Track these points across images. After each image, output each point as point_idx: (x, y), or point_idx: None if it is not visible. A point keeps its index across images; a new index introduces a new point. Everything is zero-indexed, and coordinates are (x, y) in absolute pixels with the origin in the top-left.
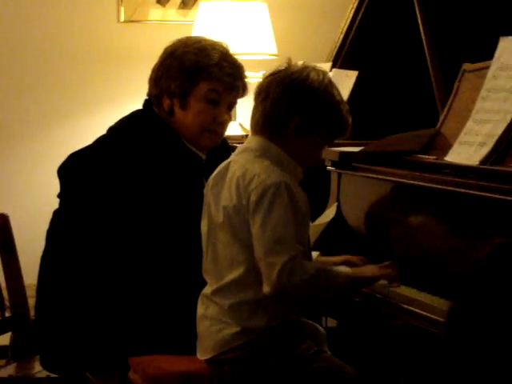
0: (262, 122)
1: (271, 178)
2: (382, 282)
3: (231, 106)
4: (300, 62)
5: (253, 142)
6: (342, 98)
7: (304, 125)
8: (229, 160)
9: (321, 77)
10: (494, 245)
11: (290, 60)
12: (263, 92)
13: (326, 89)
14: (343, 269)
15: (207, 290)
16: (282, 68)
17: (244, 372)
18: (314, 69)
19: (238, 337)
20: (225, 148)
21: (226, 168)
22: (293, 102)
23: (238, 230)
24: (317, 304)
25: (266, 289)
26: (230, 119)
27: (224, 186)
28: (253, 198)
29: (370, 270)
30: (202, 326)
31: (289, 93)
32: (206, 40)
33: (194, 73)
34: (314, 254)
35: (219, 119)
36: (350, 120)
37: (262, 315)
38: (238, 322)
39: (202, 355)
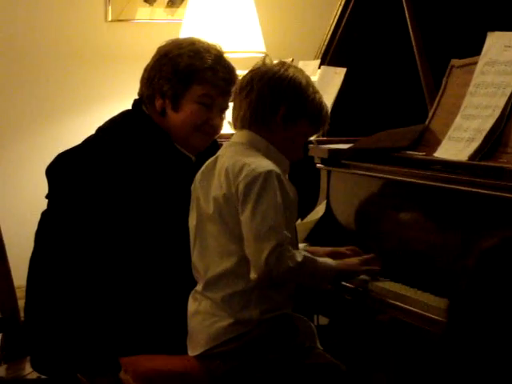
0: (250, 117)
1: (261, 166)
2: (364, 277)
3: (223, 109)
4: (288, 60)
5: (240, 136)
6: (317, 89)
7: (290, 114)
8: (216, 155)
9: (298, 70)
10: (501, 237)
11: (266, 57)
12: (246, 87)
13: (307, 82)
14: (329, 260)
15: (198, 286)
16: (261, 64)
17: (236, 366)
18: (291, 64)
19: (231, 329)
20: (215, 149)
21: (214, 162)
22: (278, 94)
23: (228, 219)
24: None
25: (252, 275)
26: (222, 122)
27: (213, 178)
28: (242, 185)
29: (353, 263)
30: (194, 322)
31: (272, 85)
32: (200, 42)
33: (188, 76)
34: (302, 245)
35: (211, 122)
36: (328, 110)
37: (254, 306)
38: (231, 313)
39: (193, 351)
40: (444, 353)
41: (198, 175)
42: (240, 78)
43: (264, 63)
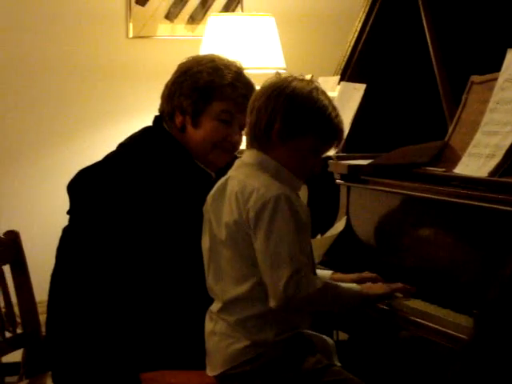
0: (250, 135)
1: (270, 191)
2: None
3: (243, 126)
4: (308, 76)
5: (247, 156)
6: (330, 103)
7: (286, 131)
8: (226, 176)
9: (304, 84)
10: None
11: (278, 73)
12: (250, 105)
13: (309, 94)
14: (354, 286)
15: (214, 306)
16: (269, 81)
17: None
18: (299, 78)
19: (247, 351)
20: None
21: (225, 184)
22: (273, 110)
23: (241, 245)
24: (325, 315)
25: (271, 303)
26: (241, 139)
27: (224, 202)
28: (253, 212)
29: (379, 287)
30: (211, 342)
31: (269, 101)
32: (220, 59)
33: (208, 92)
34: (327, 272)
35: (231, 138)
36: (342, 125)
37: (270, 329)
38: (247, 335)
39: (211, 371)
40: (469, 363)
41: (210, 197)
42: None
43: (270, 79)
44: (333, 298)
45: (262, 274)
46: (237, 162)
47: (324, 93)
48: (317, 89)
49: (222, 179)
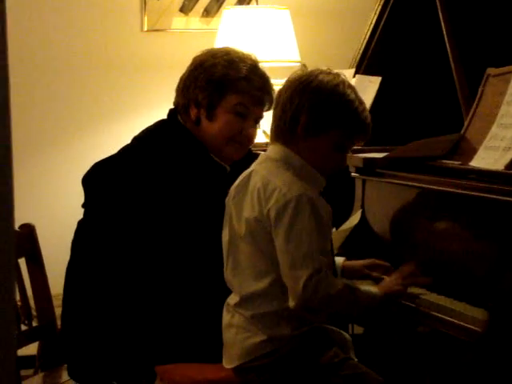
0: (275, 129)
1: (292, 191)
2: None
3: (258, 119)
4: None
5: (272, 150)
6: (356, 97)
7: (311, 125)
8: (250, 169)
9: (330, 77)
10: None
11: (304, 66)
12: (276, 99)
13: (335, 88)
14: (372, 289)
15: (231, 299)
16: (293, 74)
17: (270, 380)
18: (326, 71)
19: (264, 345)
20: (250, 159)
21: (248, 178)
22: (299, 104)
23: (260, 241)
24: (343, 316)
25: (291, 303)
26: (256, 132)
27: (246, 196)
28: (274, 211)
29: (394, 282)
30: (228, 334)
31: (295, 95)
32: (235, 52)
33: (223, 85)
34: (340, 259)
35: (245, 132)
36: (369, 119)
37: (286, 324)
38: (264, 330)
39: (228, 363)
40: (483, 356)
41: (232, 190)
42: (275, 88)
43: (297, 71)
44: (352, 301)
45: (283, 274)
46: (261, 156)
47: (351, 86)
48: (343, 82)
49: (246, 172)
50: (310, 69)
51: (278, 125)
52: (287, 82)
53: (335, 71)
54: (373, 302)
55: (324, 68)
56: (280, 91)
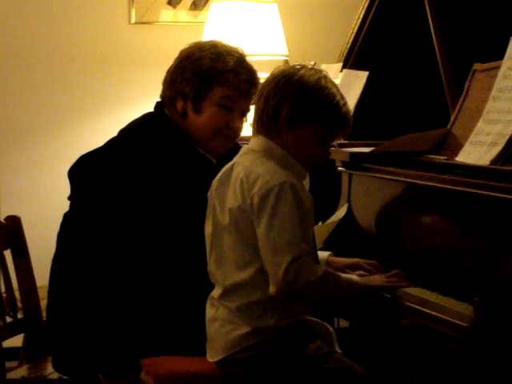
0: (257, 121)
1: (275, 178)
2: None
3: (244, 112)
4: (311, 63)
5: (254, 142)
6: (337, 92)
7: (293, 117)
8: (232, 162)
9: (312, 72)
10: None
11: (287, 62)
12: (259, 92)
13: (317, 82)
14: (353, 277)
15: (214, 292)
16: (278, 69)
17: (255, 372)
18: (309, 67)
19: (248, 337)
20: (236, 152)
21: (230, 170)
22: (281, 96)
23: (244, 231)
24: (324, 305)
25: (272, 289)
26: (242, 125)
27: (228, 188)
28: (257, 199)
29: (378, 280)
30: (213, 328)
31: (278, 88)
32: (222, 45)
33: (209, 78)
34: (325, 253)
35: (232, 125)
36: (350, 114)
37: (270, 315)
38: (248, 322)
39: (212, 357)
40: (470, 347)
41: (215, 182)
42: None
43: (278, 67)
44: (333, 288)
45: (263, 261)
46: (243, 149)
47: (332, 82)
48: (325, 77)
49: (228, 165)
50: (292, 64)
51: (261, 117)
52: (270, 75)
53: (318, 68)
54: (353, 290)
55: (306, 63)
56: (262, 85)
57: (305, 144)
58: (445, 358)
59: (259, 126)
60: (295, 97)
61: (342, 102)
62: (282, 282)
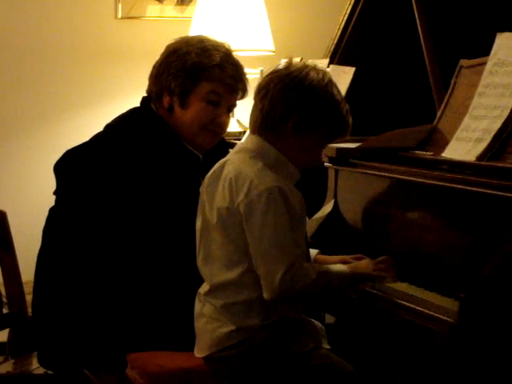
0: (261, 121)
1: (264, 183)
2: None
3: (231, 107)
4: (297, 59)
5: (250, 141)
6: (342, 98)
7: (302, 123)
8: (225, 159)
9: (320, 76)
10: None
11: (290, 58)
12: (262, 90)
13: (325, 88)
14: (341, 267)
15: (202, 289)
16: (282, 66)
17: (241, 369)
18: (314, 68)
19: (233, 335)
20: (222, 147)
21: (222, 167)
22: (291, 100)
23: (232, 231)
24: (310, 300)
25: (266, 295)
26: (229, 121)
27: (218, 185)
28: (245, 203)
29: (365, 266)
30: (199, 324)
31: (287, 91)
32: (209, 40)
33: (196, 73)
34: (313, 251)
35: (218, 120)
36: (351, 120)
37: (256, 315)
38: (233, 320)
39: (199, 353)
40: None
41: (207, 178)
42: (260, 77)
43: (285, 65)
44: (325, 285)
45: (256, 266)
46: (237, 146)
47: (336, 86)
48: (331, 81)
49: (221, 162)
50: (296, 62)
51: (265, 118)
52: (276, 75)
53: (321, 68)
54: (344, 280)
55: (310, 62)
56: (267, 82)
57: (307, 148)
58: (430, 353)
59: (259, 126)
60: (306, 105)
61: (345, 109)
62: (277, 290)
